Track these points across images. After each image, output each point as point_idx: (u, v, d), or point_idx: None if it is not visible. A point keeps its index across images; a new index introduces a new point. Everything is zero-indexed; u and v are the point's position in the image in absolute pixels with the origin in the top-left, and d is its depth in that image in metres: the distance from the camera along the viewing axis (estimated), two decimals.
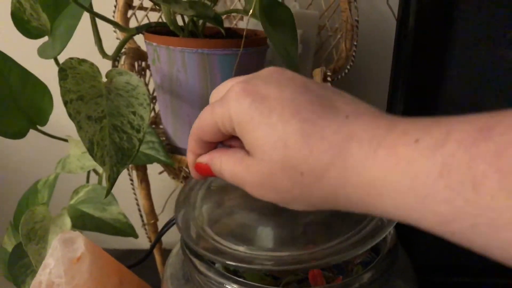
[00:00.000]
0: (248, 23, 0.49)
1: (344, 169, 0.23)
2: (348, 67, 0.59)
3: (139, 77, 0.51)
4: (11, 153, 0.82)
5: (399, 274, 0.36)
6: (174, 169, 0.57)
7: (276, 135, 0.24)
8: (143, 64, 0.59)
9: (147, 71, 0.60)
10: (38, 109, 0.50)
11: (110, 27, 0.48)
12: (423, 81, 0.48)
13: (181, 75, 0.47)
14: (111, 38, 0.59)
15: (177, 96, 0.48)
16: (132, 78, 0.41)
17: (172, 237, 0.46)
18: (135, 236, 0.54)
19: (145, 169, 0.57)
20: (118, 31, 0.59)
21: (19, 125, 0.50)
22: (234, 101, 0.26)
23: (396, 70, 0.49)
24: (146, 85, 0.60)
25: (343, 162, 0.23)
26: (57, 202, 0.58)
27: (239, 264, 0.30)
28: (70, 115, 0.35)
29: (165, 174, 0.63)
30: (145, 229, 0.61)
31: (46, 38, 0.47)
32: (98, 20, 0.45)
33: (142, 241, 0.65)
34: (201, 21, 0.49)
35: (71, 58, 0.39)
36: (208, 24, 0.50)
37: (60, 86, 0.36)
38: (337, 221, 0.27)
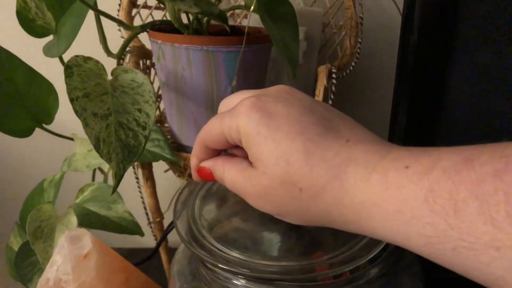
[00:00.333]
0: (249, 19, 0.49)
1: (340, 190, 0.24)
2: (353, 64, 0.58)
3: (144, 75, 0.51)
4: (17, 152, 0.82)
5: (405, 269, 0.36)
6: (180, 167, 0.57)
7: (280, 151, 0.26)
8: (148, 62, 0.59)
9: (152, 69, 0.60)
10: (43, 108, 0.50)
11: (114, 25, 0.48)
12: (429, 78, 0.48)
13: (186, 73, 0.47)
14: (116, 37, 0.59)
15: (182, 93, 0.48)
16: (137, 76, 0.41)
17: (177, 235, 0.46)
18: (141, 234, 0.54)
19: (151, 167, 0.57)
20: (122, 29, 0.59)
21: (24, 123, 0.50)
22: (244, 115, 0.27)
23: (401, 66, 0.49)
24: (151, 83, 0.61)
25: (340, 183, 0.24)
26: (63, 200, 0.58)
27: (243, 270, 0.30)
28: (76, 112, 0.35)
29: (170, 172, 0.63)
30: (151, 227, 0.61)
31: (51, 37, 0.47)
32: (103, 19, 0.45)
33: (148, 240, 0.65)
34: (205, 19, 0.50)
35: (77, 56, 0.39)
36: (213, 22, 0.50)
37: (66, 83, 0.36)
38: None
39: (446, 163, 0.21)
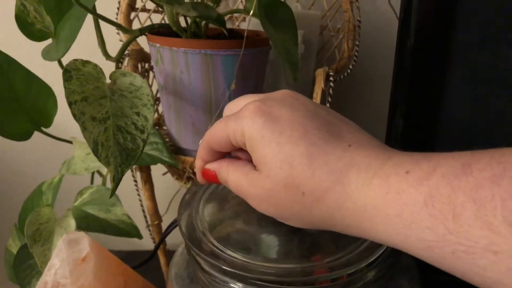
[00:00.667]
0: (249, 23, 0.50)
1: (342, 194, 0.25)
2: (351, 67, 0.59)
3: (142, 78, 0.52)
4: (15, 155, 0.82)
5: (403, 272, 0.36)
6: (178, 170, 0.57)
7: (284, 155, 0.26)
8: (146, 65, 0.59)
9: (151, 72, 0.60)
10: (42, 111, 0.50)
11: (113, 29, 0.48)
12: (426, 81, 0.48)
13: (184, 76, 0.47)
14: (115, 40, 0.59)
15: (180, 97, 0.49)
16: (135, 79, 0.41)
17: (176, 238, 0.46)
18: (139, 237, 0.54)
19: (149, 170, 0.57)
20: (121, 33, 0.59)
21: (23, 127, 0.50)
22: (248, 119, 0.27)
23: (398, 69, 0.49)
24: (150, 86, 0.61)
25: (342, 187, 0.25)
26: (61, 203, 0.58)
27: (240, 272, 0.30)
28: (74, 116, 0.35)
29: (169, 175, 0.63)
30: (149, 230, 0.61)
31: (50, 41, 0.47)
32: (101, 22, 0.45)
33: (146, 242, 0.65)
34: (203, 22, 0.50)
35: (75, 60, 0.39)
36: (211, 25, 0.50)
37: (65, 87, 0.36)
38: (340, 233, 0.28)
39: (445, 168, 0.21)
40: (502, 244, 0.19)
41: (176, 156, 0.52)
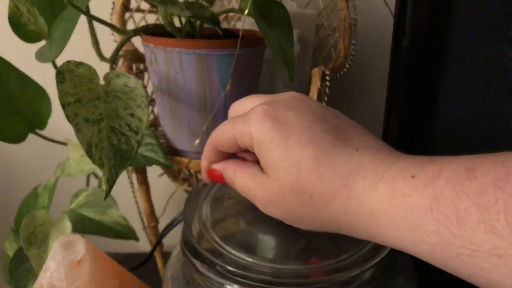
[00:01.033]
0: (244, 22, 0.49)
1: (349, 198, 0.25)
2: (347, 65, 0.59)
3: (137, 79, 0.51)
4: (10, 158, 0.82)
5: (399, 271, 0.36)
6: (174, 171, 0.57)
7: (292, 159, 0.26)
8: (141, 66, 0.59)
9: (145, 73, 0.60)
10: (36, 113, 0.50)
11: (107, 29, 0.48)
12: (422, 79, 0.48)
13: (179, 77, 0.47)
14: (109, 41, 0.59)
15: (175, 97, 0.48)
16: (129, 80, 0.41)
17: (173, 239, 0.46)
18: (136, 239, 0.54)
19: (145, 171, 0.57)
20: (115, 33, 0.59)
21: (18, 129, 0.50)
22: (256, 122, 0.28)
23: (394, 67, 0.49)
24: (145, 87, 0.61)
25: (348, 191, 0.25)
26: (57, 206, 0.58)
27: (239, 271, 0.30)
28: (68, 117, 0.35)
29: (165, 176, 0.63)
30: (146, 232, 0.61)
31: (43, 42, 0.47)
32: (95, 23, 0.45)
33: (143, 244, 0.65)
34: (198, 22, 0.49)
35: (69, 61, 0.39)
36: (206, 25, 0.50)
37: (58, 89, 0.36)
38: (342, 236, 0.28)
39: (449, 173, 0.22)
40: (506, 248, 0.19)
41: (172, 157, 0.51)
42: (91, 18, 0.44)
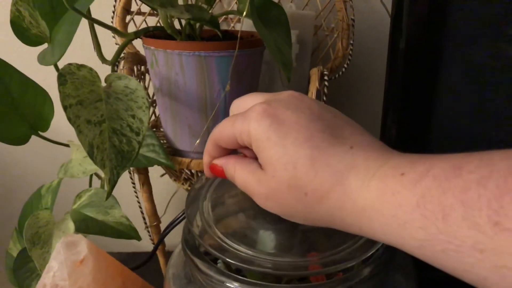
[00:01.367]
0: (242, 24, 0.50)
1: (342, 195, 0.26)
2: (345, 65, 0.59)
3: (138, 81, 0.52)
4: (13, 160, 0.82)
5: (398, 269, 0.36)
6: (175, 171, 0.57)
7: (288, 157, 0.27)
8: (142, 68, 0.59)
9: (147, 75, 0.61)
10: (39, 115, 0.51)
11: (108, 32, 0.48)
12: (419, 77, 0.48)
13: (179, 78, 0.47)
14: (110, 43, 0.60)
15: (176, 99, 0.49)
16: (130, 82, 0.41)
17: (175, 238, 0.47)
18: (138, 238, 0.54)
19: (147, 172, 0.57)
20: (116, 36, 0.60)
21: (20, 131, 0.50)
22: (255, 121, 0.29)
23: (391, 67, 0.49)
24: (146, 89, 0.61)
25: (342, 188, 0.26)
26: (60, 206, 0.59)
27: (240, 264, 0.31)
28: (69, 119, 0.35)
29: (166, 176, 0.63)
30: (148, 232, 0.62)
31: (45, 45, 0.48)
32: (96, 26, 0.45)
33: (145, 244, 0.65)
34: (198, 24, 0.50)
35: (70, 64, 0.39)
36: (206, 27, 0.50)
37: (59, 91, 0.36)
38: (338, 230, 0.28)
39: (437, 170, 0.23)
40: (487, 242, 0.20)
41: (173, 158, 0.52)
42: (92, 21, 0.44)
